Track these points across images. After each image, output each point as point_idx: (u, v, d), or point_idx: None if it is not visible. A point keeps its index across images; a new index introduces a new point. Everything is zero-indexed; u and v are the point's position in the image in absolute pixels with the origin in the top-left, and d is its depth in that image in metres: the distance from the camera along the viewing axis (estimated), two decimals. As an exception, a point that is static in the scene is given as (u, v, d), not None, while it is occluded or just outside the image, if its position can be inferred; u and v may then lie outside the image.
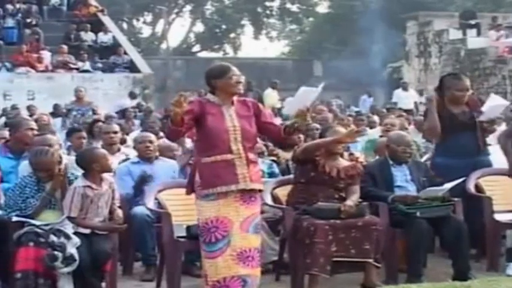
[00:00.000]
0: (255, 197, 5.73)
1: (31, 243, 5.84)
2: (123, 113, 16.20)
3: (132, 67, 23.09)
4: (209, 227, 5.59)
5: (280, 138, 6.01)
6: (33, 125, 7.70)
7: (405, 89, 21.46)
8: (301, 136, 8.36)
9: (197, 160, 5.77)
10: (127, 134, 11.78)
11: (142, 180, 7.39)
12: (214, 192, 5.58)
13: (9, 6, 23.74)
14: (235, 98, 5.77)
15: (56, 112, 16.92)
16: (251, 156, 5.67)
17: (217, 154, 5.59)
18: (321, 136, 7.03)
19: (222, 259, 5.56)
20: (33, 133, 7.45)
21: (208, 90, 5.84)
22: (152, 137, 7.95)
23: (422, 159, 8.68)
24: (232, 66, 5.78)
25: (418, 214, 6.68)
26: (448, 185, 6.93)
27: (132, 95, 20.63)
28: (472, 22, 25.25)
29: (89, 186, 6.06)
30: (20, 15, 23.73)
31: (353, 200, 6.55)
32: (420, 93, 22.22)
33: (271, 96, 20.21)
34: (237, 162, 5.60)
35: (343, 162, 6.79)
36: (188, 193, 5.79)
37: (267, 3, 44.06)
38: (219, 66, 5.84)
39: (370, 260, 6.38)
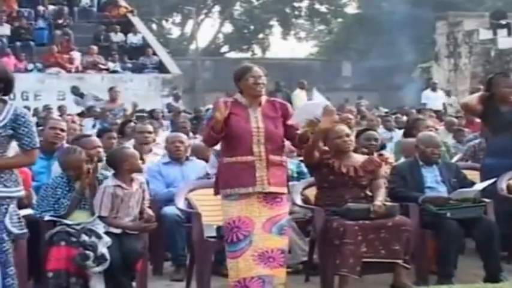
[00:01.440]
0: (281, 199, 5.71)
1: (63, 243, 5.88)
2: (151, 114, 16.26)
3: (161, 68, 23.18)
4: (231, 226, 5.60)
5: (297, 144, 5.96)
6: (59, 124, 7.73)
7: (434, 89, 21.35)
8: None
9: (221, 160, 5.80)
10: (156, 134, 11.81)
11: None
12: (236, 193, 5.58)
13: (41, 8, 23.94)
14: (263, 98, 5.75)
15: (86, 112, 17.00)
16: (274, 158, 5.64)
17: (238, 155, 5.59)
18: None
19: (242, 259, 5.56)
20: (57, 132, 7.47)
21: (238, 91, 5.82)
22: (183, 137, 7.97)
23: (453, 160, 8.65)
24: (255, 67, 5.74)
25: (448, 215, 6.65)
26: (479, 186, 6.90)
27: (177, 97, 20.72)
28: (503, 22, 25.04)
29: (119, 186, 6.09)
30: (50, 16, 23.91)
31: (380, 198, 6.51)
32: (448, 94, 22.08)
33: (299, 97, 20.17)
34: (258, 164, 5.59)
35: (358, 158, 6.73)
36: (215, 193, 5.80)
37: (296, 4, 44.06)
38: (241, 67, 5.82)
39: (400, 261, 6.36)
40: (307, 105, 6.04)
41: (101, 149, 7.08)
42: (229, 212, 5.63)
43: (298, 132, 5.76)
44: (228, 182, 5.60)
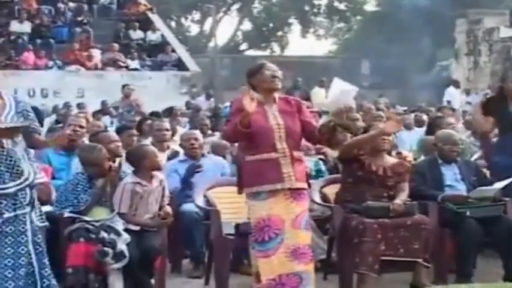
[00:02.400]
0: (304, 194, 5.70)
1: (82, 239, 5.91)
2: (169, 112, 16.29)
3: (180, 65, 23.21)
4: (261, 226, 5.55)
5: (313, 138, 5.84)
6: (77, 120, 7.76)
7: (458, 87, 21.25)
8: (348, 135, 8.30)
9: (241, 158, 5.73)
10: (174, 132, 11.82)
11: (192, 171, 7.39)
12: (263, 191, 5.54)
13: (61, 5, 24.04)
14: (277, 95, 5.71)
15: (103, 110, 17.06)
16: (296, 154, 5.62)
17: (262, 153, 5.55)
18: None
19: (276, 257, 5.53)
20: (76, 129, 7.49)
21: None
22: (198, 134, 7.97)
23: (472, 158, 8.61)
24: (268, 63, 5.71)
25: (468, 214, 6.62)
26: (499, 185, 6.86)
27: (208, 96, 20.73)
28: (523, 20, 24.92)
29: (138, 183, 6.11)
30: (70, 14, 24.00)
31: (402, 198, 6.51)
32: (467, 92, 21.97)
33: (318, 95, 20.09)
34: (282, 160, 5.56)
35: (390, 159, 6.74)
36: (239, 192, 5.77)
37: (315, 2, 43.96)
38: (254, 64, 5.78)
39: (419, 260, 6.34)
40: (341, 92, 5.86)
41: (119, 144, 7.09)
42: (257, 211, 5.59)
43: (319, 123, 5.72)
44: (254, 179, 5.56)
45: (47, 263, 5.15)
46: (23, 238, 5.03)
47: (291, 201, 5.59)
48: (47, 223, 5.25)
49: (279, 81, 5.66)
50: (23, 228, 5.03)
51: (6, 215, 4.98)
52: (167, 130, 8.83)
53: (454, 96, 20.49)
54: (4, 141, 5.01)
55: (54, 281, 5.19)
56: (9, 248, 5.00)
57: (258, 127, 5.53)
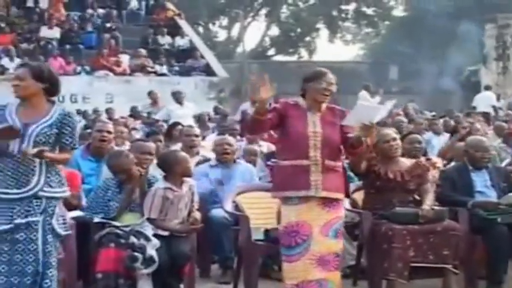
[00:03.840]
0: (338, 203, 5.67)
1: (112, 245, 5.93)
2: (198, 117, 16.33)
3: (208, 70, 23.23)
4: (289, 231, 5.55)
5: (351, 150, 5.80)
6: (105, 126, 7.75)
7: (489, 91, 21.12)
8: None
9: (275, 163, 5.78)
10: (203, 137, 11.85)
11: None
12: (294, 196, 5.52)
13: (90, 11, 24.20)
14: (323, 105, 5.67)
15: (133, 115, 17.12)
16: (329, 163, 5.57)
17: (294, 159, 5.55)
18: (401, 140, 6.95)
19: (301, 263, 5.53)
20: (104, 135, 7.48)
21: (299, 94, 5.73)
22: (231, 140, 7.99)
23: (503, 164, 8.55)
24: (329, 73, 5.67)
25: (499, 220, 6.59)
26: (530, 191, 6.82)
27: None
28: (553, 24, 24.73)
29: (169, 189, 6.13)
30: (99, 19, 24.15)
31: (428, 202, 6.47)
32: (497, 97, 21.82)
33: (365, 99, 19.92)
34: (313, 168, 5.53)
35: (405, 163, 6.68)
36: (273, 196, 5.77)
37: (343, 7, 43.87)
38: (316, 70, 5.75)
39: (449, 266, 6.31)
40: (363, 107, 5.84)
41: (150, 156, 6.91)
42: (288, 216, 5.58)
43: (351, 135, 5.66)
44: (284, 184, 5.56)
45: (54, 273, 5.13)
46: (32, 246, 5.04)
47: (322, 208, 5.57)
48: (70, 231, 5.26)
49: (329, 96, 5.63)
50: (34, 236, 5.04)
51: (18, 220, 5.00)
52: (196, 136, 8.85)
53: (488, 100, 20.29)
54: (14, 149, 5.04)
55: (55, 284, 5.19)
56: (18, 255, 5.01)
57: (295, 133, 5.53)
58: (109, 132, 7.62)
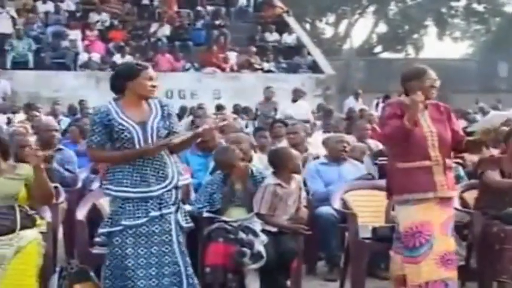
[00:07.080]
0: (452, 200, 5.63)
1: (221, 239, 6.00)
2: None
3: (314, 68, 23.20)
4: (413, 232, 5.45)
5: (459, 148, 5.70)
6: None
7: None
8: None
9: (392, 165, 5.62)
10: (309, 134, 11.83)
11: None
12: (414, 198, 5.45)
13: (199, 8, 24.49)
14: (428, 101, 5.58)
15: (236, 112, 17.21)
16: (448, 162, 5.52)
17: (415, 160, 5.45)
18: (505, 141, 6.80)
19: (425, 263, 5.44)
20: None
21: (402, 92, 5.66)
22: (350, 138, 7.99)
23: None
24: (430, 70, 5.59)
25: None
26: None
27: (356, 95, 20.78)
28: None
29: (279, 185, 6.17)
30: (208, 17, 24.42)
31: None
32: None
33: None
34: (435, 169, 5.46)
35: None
36: (389, 198, 5.71)
37: (452, 3, 43.17)
38: (415, 68, 5.68)
39: None
40: (495, 116, 5.83)
41: (245, 145, 7.02)
42: (409, 217, 5.49)
43: (469, 138, 5.60)
44: (405, 187, 5.46)
45: (189, 262, 5.25)
46: (167, 237, 5.14)
47: (440, 207, 5.49)
48: (192, 224, 5.35)
49: (435, 92, 5.56)
50: (168, 227, 5.14)
51: (152, 213, 5.11)
52: (296, 133, 8.96)
53: None
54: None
55: (196, 280, 5.29)
56: (155, 247, 5.12)
57: (413, 134, 5.42)
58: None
